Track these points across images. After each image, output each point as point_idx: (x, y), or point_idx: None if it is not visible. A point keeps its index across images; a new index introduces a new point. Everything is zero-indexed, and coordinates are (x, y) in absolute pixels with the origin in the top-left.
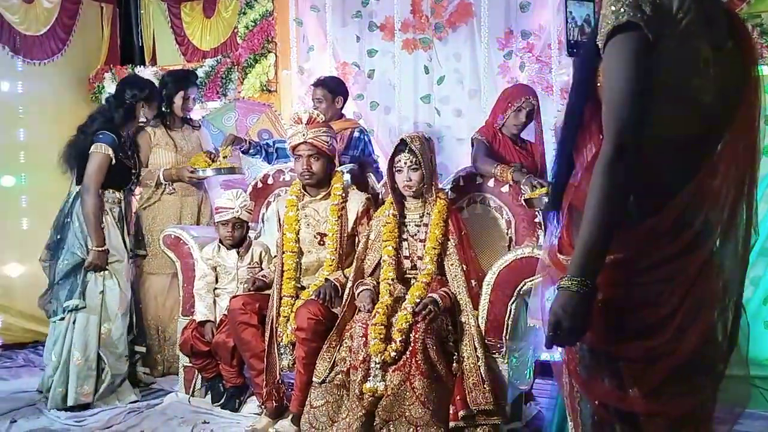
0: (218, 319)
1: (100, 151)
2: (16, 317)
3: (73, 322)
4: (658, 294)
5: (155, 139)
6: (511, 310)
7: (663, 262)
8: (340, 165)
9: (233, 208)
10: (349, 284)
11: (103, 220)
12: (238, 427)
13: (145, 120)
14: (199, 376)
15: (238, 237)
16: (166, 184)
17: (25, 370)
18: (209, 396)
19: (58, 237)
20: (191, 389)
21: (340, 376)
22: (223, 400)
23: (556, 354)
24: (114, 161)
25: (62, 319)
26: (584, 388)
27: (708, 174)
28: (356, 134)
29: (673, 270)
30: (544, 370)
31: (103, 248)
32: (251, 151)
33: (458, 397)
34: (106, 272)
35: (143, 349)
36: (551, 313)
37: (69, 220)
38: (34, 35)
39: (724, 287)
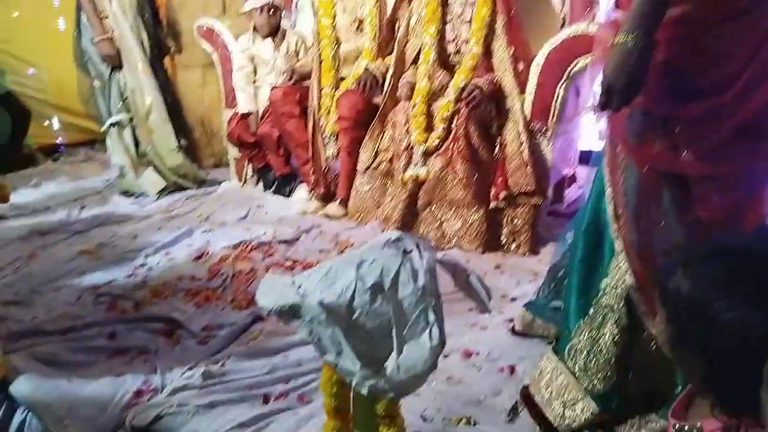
0: (261, 111)
1: None
2: (73, 117)
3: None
4: (725, 51)
5: None
6: (559, 93)
7: (738, 14)
8: None
9: None
10: (390, 72)
11: (105, 7)
12: (289, 211)
13: None
14: (249, 166)
15: (274, 24)
16: None
17: (87, 164)
18: (260, 184)
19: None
20: (243, 178)
21: (383, 164)
22: (273, 188)
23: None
24: None
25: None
26: (633, 154)
27: None
28: None
29: (745, 24)
30: (588, 156)
31: (105, 36)
32: None
33: (500, 179)
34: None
35: (184, 143)
36: (604, 74)
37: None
38: None
39: None
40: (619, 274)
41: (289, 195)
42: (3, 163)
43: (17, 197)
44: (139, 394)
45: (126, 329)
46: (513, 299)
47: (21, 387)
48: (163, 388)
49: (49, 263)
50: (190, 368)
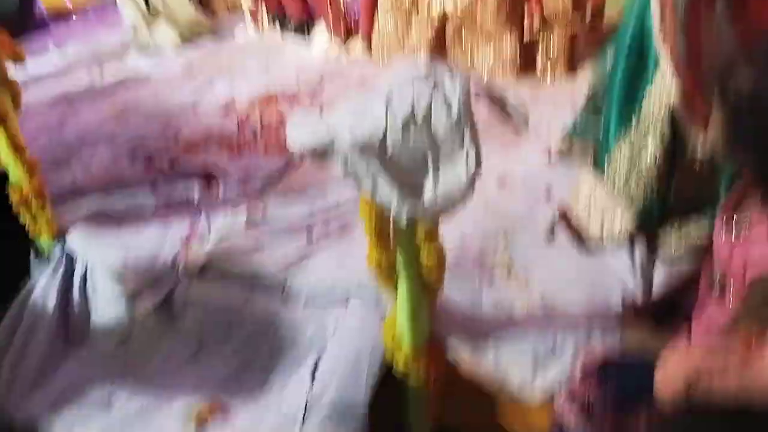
0: None
1: None
2: None
3: None
4: None
5: None
6: None
7: None
8: None
9: None
10: None
11: None
12: (310, 57)
13: None
14: (265, 11)
15: None
16: None
17: (101, 25)
18: (278, 30)
19: None
20: (260, 26)
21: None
22: (292, 33)
23: None
24: None
25: None
26: None
27: None
28: None
29: None
30: None
31: None
32: None
33: (534, 3)
34: None
35: None
36: None
37: None
38: None
39: None
40: (663, 84)
41: (308, 40)
42: (15, 26)
43: (37, 67)
44: (187, 240)
45: (165, 183)
46: (549, 126)
47: (76, 242)
48: (209, 233)
49: (81, 127)
50: (233, 214)
